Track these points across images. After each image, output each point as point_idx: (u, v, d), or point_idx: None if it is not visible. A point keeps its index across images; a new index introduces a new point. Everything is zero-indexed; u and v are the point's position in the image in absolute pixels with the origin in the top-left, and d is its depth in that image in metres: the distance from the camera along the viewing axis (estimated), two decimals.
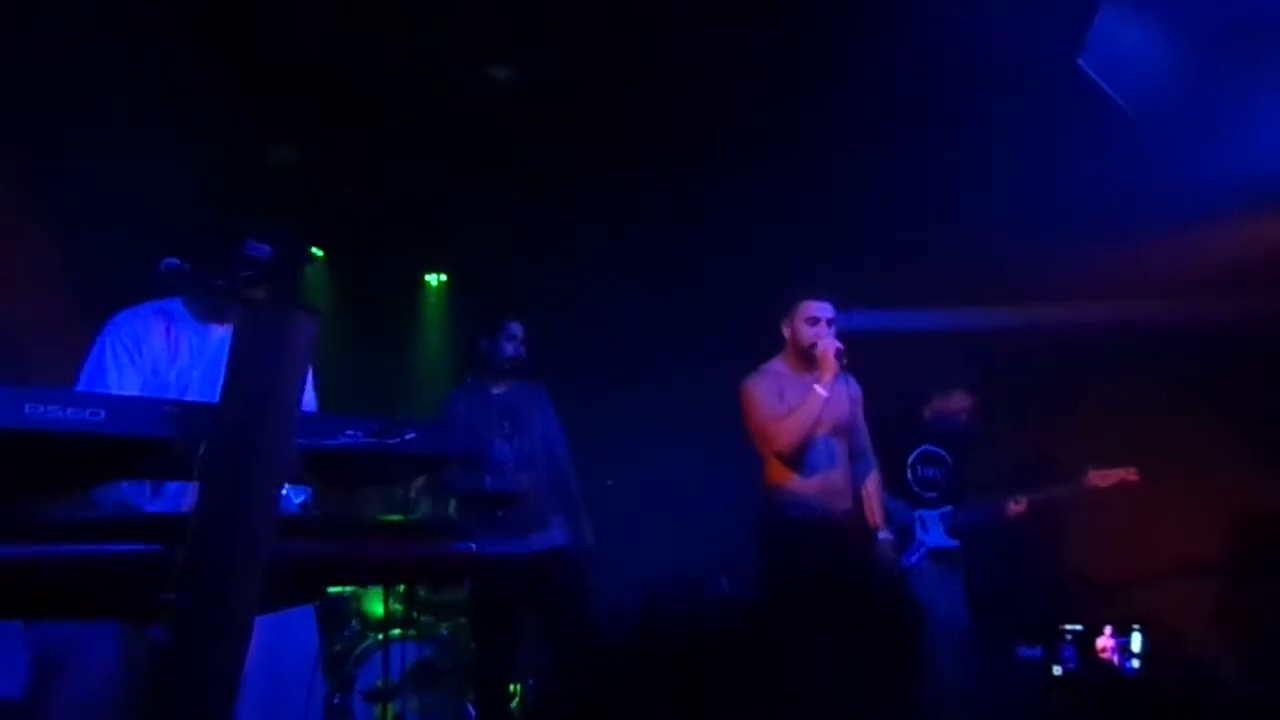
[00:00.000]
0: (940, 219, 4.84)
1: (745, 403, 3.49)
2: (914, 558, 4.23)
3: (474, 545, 1.79)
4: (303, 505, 2.23)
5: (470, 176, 5.79)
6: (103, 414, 1.35)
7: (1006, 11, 3.55)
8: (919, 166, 4.66)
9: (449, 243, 6.43)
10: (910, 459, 4.28)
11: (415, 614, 4.59)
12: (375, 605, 4.40)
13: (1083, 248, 4.44)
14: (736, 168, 5.21)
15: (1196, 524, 4.51)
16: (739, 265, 5.71)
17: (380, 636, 4.16)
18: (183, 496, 2.04)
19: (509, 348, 3.84)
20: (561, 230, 5.93)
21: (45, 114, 3.76)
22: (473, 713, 4.12)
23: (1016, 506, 4.17)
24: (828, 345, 3.34)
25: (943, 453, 4.32)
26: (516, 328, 3.88)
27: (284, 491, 2.14)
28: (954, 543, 4.26)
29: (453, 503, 4.57)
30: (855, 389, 3.57)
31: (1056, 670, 4.30)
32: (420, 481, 4.48)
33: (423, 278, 6.83)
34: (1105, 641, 4.26)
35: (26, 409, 1.30)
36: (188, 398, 2.24)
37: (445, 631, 4.63)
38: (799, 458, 3.40)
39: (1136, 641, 4.24)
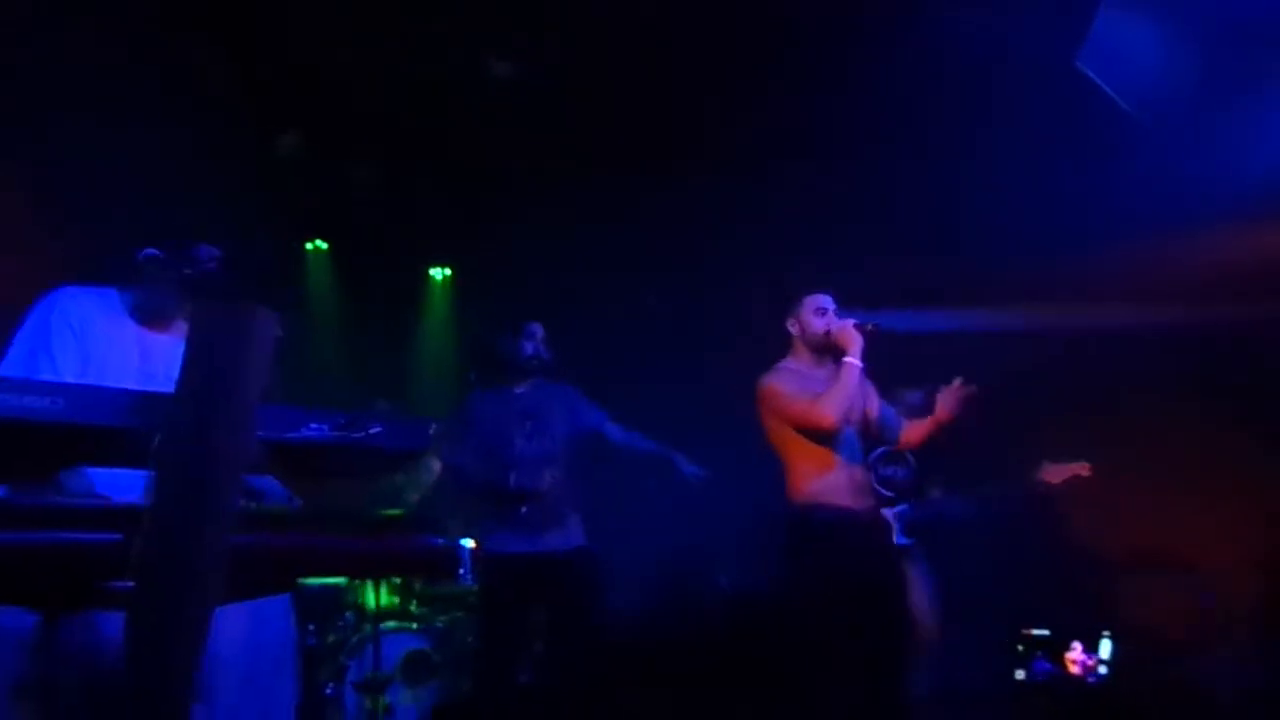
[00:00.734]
0: (938, 220, 4.82)
1: (772, 396, 3.38)
2: None
3: (441, 540, 1.79)
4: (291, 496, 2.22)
5: (476, 171, 5.81)
6: (60, 402, 1.35)
7: (1006, 14, 3.52)
8: (919, 167, 4.64)
9: (454, 237, 6.44)
10: (873, 458, 4.26)
11: (411, 606, 4.61)
12: (371, 596, 4.42)
13: (1080, 250, 4.41)
14: (743, 168, 5.21)
15: (1191, 524, 4.48)
16: (747, 264, 5.70)
17: (373, 628, 4.17)
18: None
19: (529, 348, 3.86)
20: (566, 226, 5.93)
21: (50, 108, 3.79)
22: None
23: (959, 505, 4.21)
24: (843, 324, 3.32)
25: (905, 452, 4.32)
26: (537, 328, 3.91)
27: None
28: (908, 541, 4.26)
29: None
30: (867, 383, 3.49)
31: (1020, 674, 4.29)
32: (421, 485, 4.51)
33: (427, 272, 6.84)
34: (1075, 655, 4.24)
35: None
36: None
37: (441, 624, 4.65)
38: (837, 442, 3.33)
39: (1105, 649, 4.23)
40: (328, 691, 4.06)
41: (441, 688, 4.30)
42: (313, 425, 1.56)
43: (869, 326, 3.30)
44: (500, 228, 6.04)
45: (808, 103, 4.64)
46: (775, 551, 3.46)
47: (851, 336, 3.27)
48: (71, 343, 2.19)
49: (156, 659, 1.37)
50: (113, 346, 2.27)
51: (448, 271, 6.87)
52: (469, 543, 4.25)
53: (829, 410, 3.22)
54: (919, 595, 4.18)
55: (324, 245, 6.42)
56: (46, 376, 2.09)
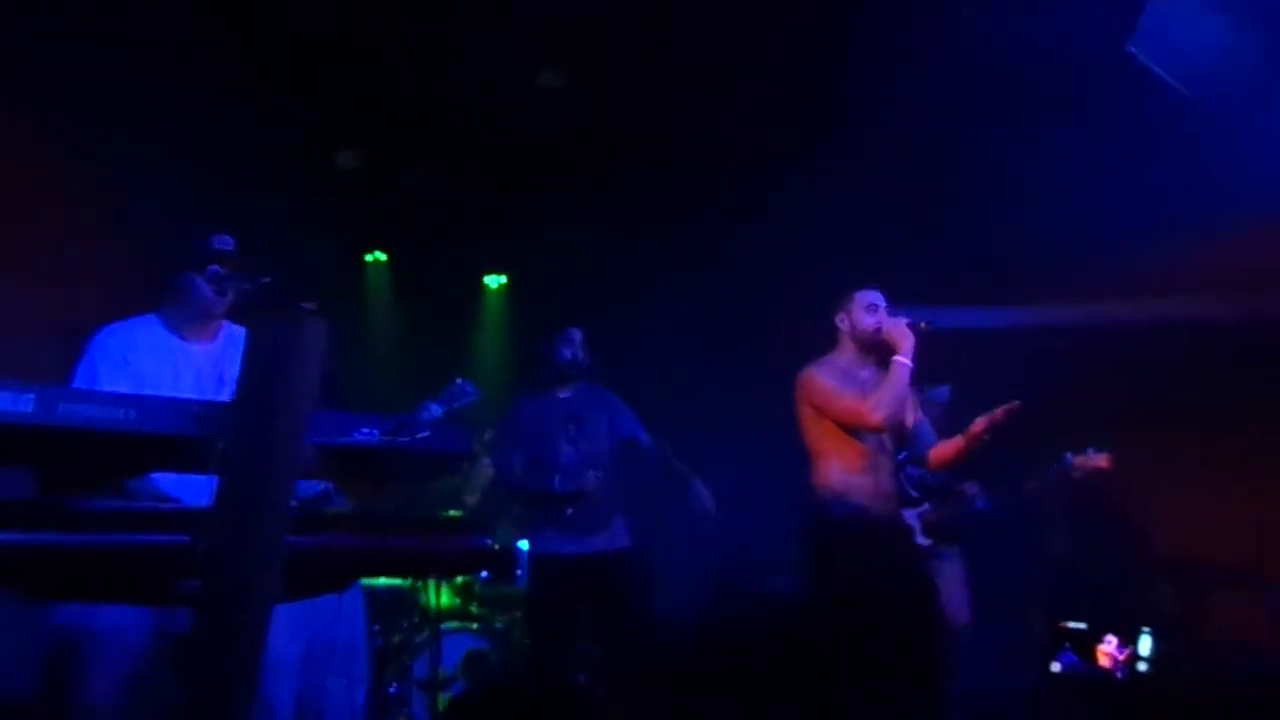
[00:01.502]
0: (980, 215, 4.75)
1: (817, 390, 3.31)
2: None
3: (489, 540, 1.86)
4: (322, 494, 2.32)
5: (530, 180, 5.90)
6: (132, 412, 1.45)
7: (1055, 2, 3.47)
8: (962, 163, 4.59)
9: (509, 245, 6.54)
10: (901, 458, 4.23)
11: (472, 607, 4.71)
12: (433, 598, 4.52)
13: (1128, 243, 4.32)
14: (790, 167, 5.20)
15: (1231, 525, 4.36)
16: (796, 265, 5.69)
17: (432, 629, 4.27)
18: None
19: (567, 353, 3.93)
20: (621, 231, 5.99)
21: (116, 120, 3.95)
22: None
23: (984, 503, 4.18)
24: (895, 321, 3.26)
25: (932, 440, 4.27)
26: (576, 333, 3.98)
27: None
28: (927, 541, 4.24)
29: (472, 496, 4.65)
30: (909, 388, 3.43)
31: (1056, 667, 4.21)
32: (478, 487, 4.60)
33: (483, 280, 6.96)
34: (1107, 648, 4.15)
35: (61, 407, 1.40)
36: None
37: (500, 624, 4.74)
38: (873, 441, 3.29)
39: (1145, 644, 4.13)
40: (392, 690, 4.16)
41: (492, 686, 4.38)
42: (363, 430, 1.64)
43: (923, 325, 3.23)
44: (555, 234, 6.12)
45: (853, 99, 4.62)
46: (798, 547, 3.44)
47: (904, 335, 3.20)
48: (119, 374, 2.34)
49: (220, 654, 1.46)
50: (161, 366, 2.42)
51: (503, 279, 6.98)
52: (525, 544, 4.34)
53: (879, 409, 3.16)
54: (947, 598, 4.13)
55: (383, 257, 6.58)
56: None
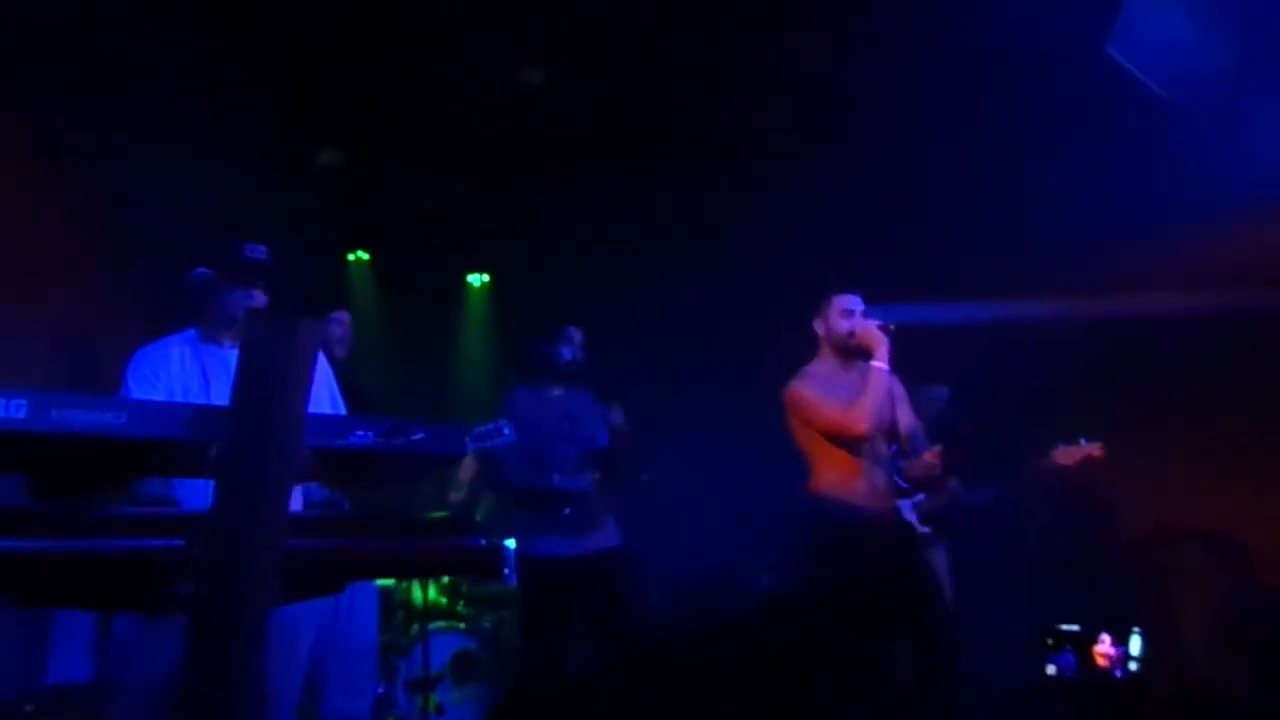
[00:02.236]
0: (966, 211, 4.80)
1: (801, 404, 3.39)
2: None
3: (484, 540, 1.86)
4: (331, 500, 2.33)
5: (513, 179, 5.89)
6: (124, 416, 1.44)
7: (1035, 1, 3.52)
8: (949, 159, 4.64)
9: (492, 244, 6.53)
10: (892, 450, 4.29)
11: (459, 606, 4.70)
12: (420, 597, 4.52)
13: (1110, 239, 4.37)
14: (777, 165, 5.22)
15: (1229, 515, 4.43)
16: (781, 262, 5.71)
17: (422, 628, 4.27)
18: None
19: (566, 352, 3.94)
20: (603, 229, 5.99)
21: (93, 119, 3.91)
22: None
23: (976, 493, 4.24)
24: (866, 325, 3.30)
25: (925, 445, 4.34)
26: (575, 333, 3.99)
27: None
28: (926, 529, 4.31)
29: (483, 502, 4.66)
30: (899, 388, 3.50)
31: (1051, 669, 4.27)
32: (463, 484, 4.59)
33: (466, 279, 6.94)
34: (1103, 648, 4.22)
35: (53, 413, 1.39)
36: None
37: (487, 624, 4.74)
38: (863, 447, 3.34)
39: (1135, 645, 4.19)
40: (379, 691, 4.16)
41: (488, 687, 4.38)
42: (358, 432, 1.63)
43: (890, 326, 3.28)
44: (537, 233, 6.12)
45: (840, 97, 4.65)
46: (796, 548, 3.51)
47: (876, 338, 3.25)
48: (152, 392, 2.41)
49: (215, 659, 1.45)
50: (191, 375, 2.47)
51: (486, 278, 6.96)
52: (512, 543, 4.34)
53: (861, 419, 3.22)
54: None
55: (365, 256, 6.55)
56: None
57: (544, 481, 3.80)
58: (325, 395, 2.61)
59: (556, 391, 3.96)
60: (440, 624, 4.44)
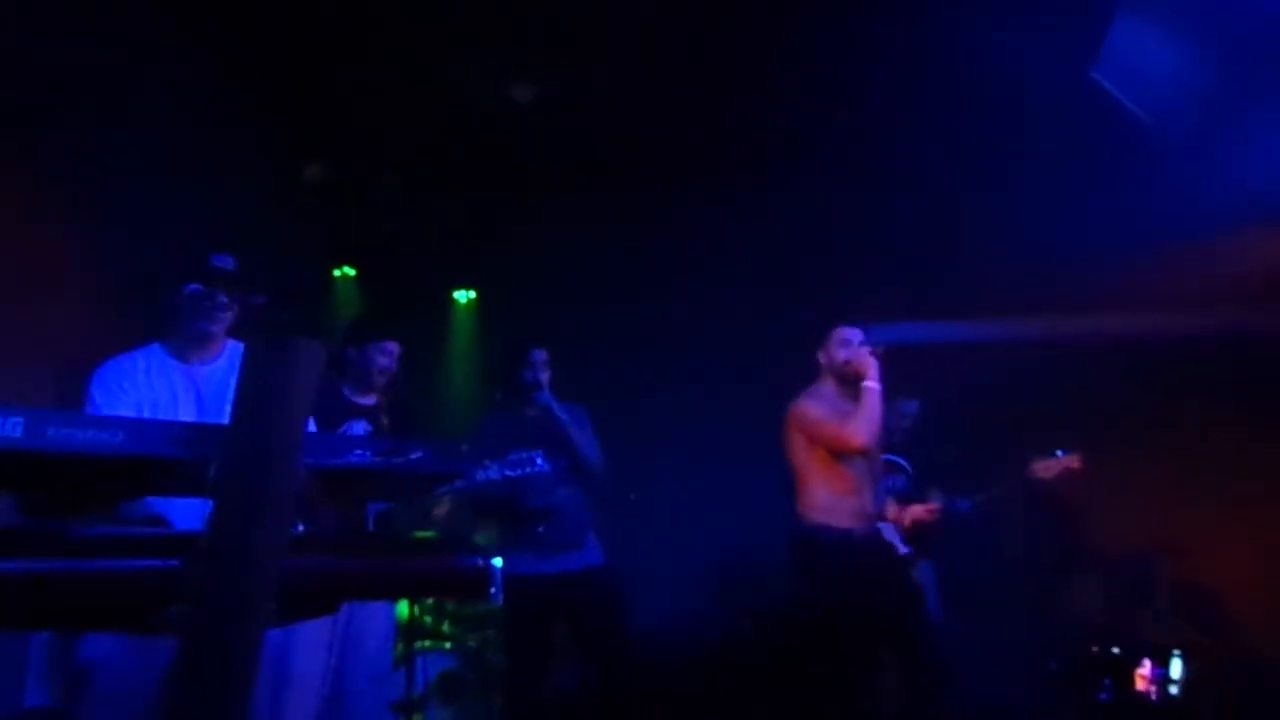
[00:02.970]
0: (949, 232, 4.86)
1: (805, 419, 3.63)
2: None
3: (480, 560, 1.85)
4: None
5: (500, 195, 5.89)
6: (120, 435, 1.42)
7: (1020, 27, 3.58)
8: (933, 181, 4.70)
9: (478, 260, 6.52)
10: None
11: (444, 626, 4.66)
12: (405, 617, 4.47)
13: (1092, 260, 4.44)
14: (761, 188, 5.26)
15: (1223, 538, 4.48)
16: (764, 282, 5.75)
17: (408, 648, 4.23)
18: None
19: (529, 375, 3.92)
20: (590, 247, 6.00)
21: (86, 133, 3.89)
22: None
23: (955, 509, 4.30)
24: (859, 352, 3.60)
25: (903, 461, 4.41)
26: (539, 354, 3.97)
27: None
28: (908, 550, 4.31)
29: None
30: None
31: (1103, 696, 4.30)
32: (445, 501, 4.57)
33: (452, 295, 6.93)
34: (1144, 671, 4.25)
35: (50, 432, 1.37)
36: None
37: (473, 643, 4.70)
38: (855, 464, 3.56)
39: (1176, 668, 4.23)
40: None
41: (474, 707, 4.34)
42: (357, 451, 1.62)
43: (876, 349, 3.57)
44: (524, 250, 6.12)
45: (822, 124, 4.71)
46: (785, 568, 3.67)
47: (868, 362, 3.53)
48: (117, 406, 2.34)
49: (212, 682, 1.43)
50: (159, 391, 2.40)
51: (472, 294, 6.95)
52: (499, 562, 4.29)
53: (860, 432, 3.46)
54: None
55: (351, 272, 6.53)
56: None
57: (518, 501, 3.78)
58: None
59: (530, 411, 3.95)
60: (426, 644, 4.40)
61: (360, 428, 3.48)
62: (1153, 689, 4.25)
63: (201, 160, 4.37)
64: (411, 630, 4.31)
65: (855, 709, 3.35)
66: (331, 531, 1.72)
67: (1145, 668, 4.28)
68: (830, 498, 3.54)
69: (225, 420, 1.62)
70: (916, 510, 4.07)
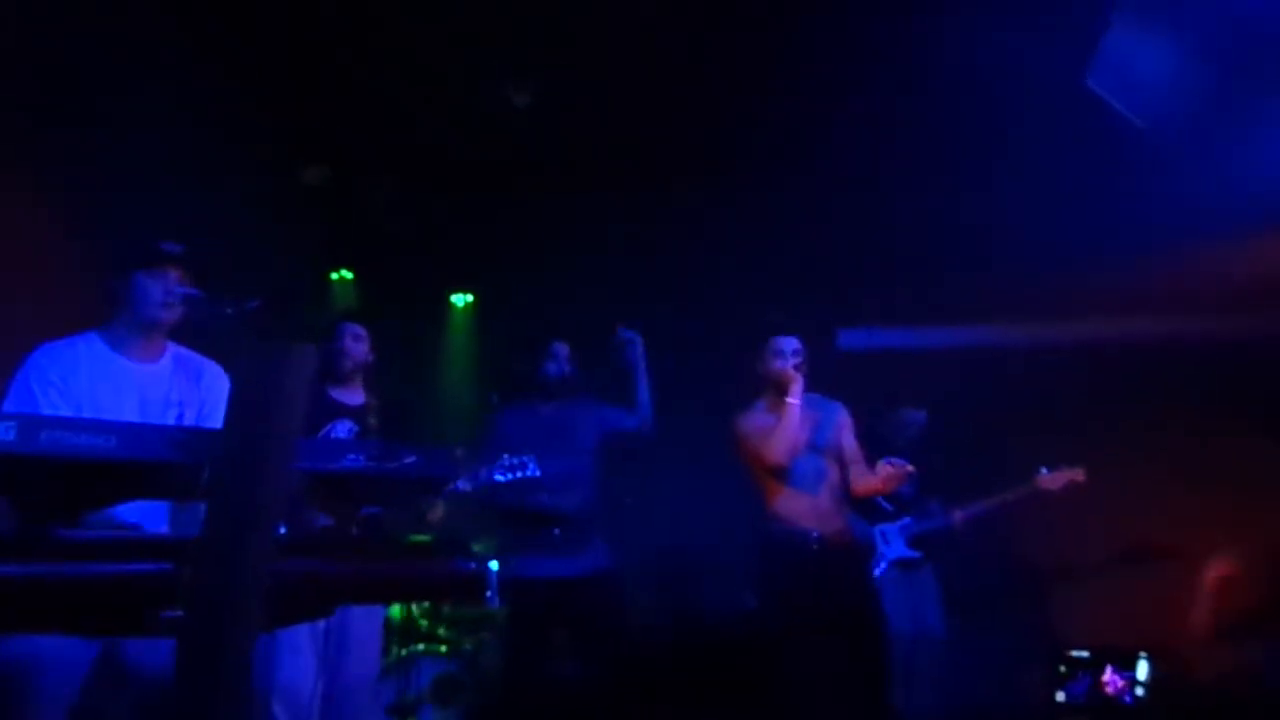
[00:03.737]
0: (946, 238, 4.87)
1: (737, 435, 3.75)
2: (878, 571, 4.35)
3: (473, 564, 1.86)
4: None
5: (497, 198, 5.90)
6: (113, 439, 1.43)
7: (1015, 32, 3.60)
8: (929, 187, 4.71)
9: (476, 263, 6.52)
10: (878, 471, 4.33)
11: (440, 629, 4.66)
12: (401, 620, 4.48)
13: (1089, 265, 4.45)
14: (759, 191, 5.27)
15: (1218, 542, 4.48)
16: (764, 281, 5.75)
17: (404, 651, 4.24)
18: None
19: (553, 368, 3.87)
20: (586, 250, 6.01)
21: (79, 131, 3.89)
22: None
23: (960, 515, 4.30)
24: (784, 365, 3.65)
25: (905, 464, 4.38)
26: (561, 348, 3.92)
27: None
28: (916, 553, 4.37)
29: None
30: (843, 414, 3.81)
31: (1061, 697, 4.33)
32: (439, 505, 4.56)
33: (449, 298, 6.93)
34: (1110, 677, 4.28)
35: (43, 435, 1.38)
36: None
37: (469, 646, 4.70)
38: (788, 474, 3.65)
39: (1142, 670, 4.24)
40: None
41: (470, 710, 4.34)
42: (350, 456, 1.63)
43: (801, 365, 3.63)
44: (522, 253, 6.12)
45: (821, 126, 4.72)
46: (755, 569, 3.73)
47: (790, 377, 3.60)
48: (57, 397, 2.25)
49: (206, 683, 1.44)
50: (99, 386, 2.31)
51: (470, 297, 6.95)
52: (495, 565, 4.28)
53: (774, 449, 3.59)
54: (921, 608, 4.26)
55: (349, 275, 6.53)
56: None
57: (532, 500, 3.71)
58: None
59: (544, 408, 3.89)
60: (421, 647, 4.40)
61: (344, 428, 3.38)
62: (1125, 691, 4.26)
63: (200, 161, 4.37)
64: (406, 633, 4.32)
65: (808, 710, 3.39)
66: (316, 534, 1.72)
67: (1107, 673, 4.30)
68: (775, 501, 3.64)
69: (166, 425, 1.60)
70: (871, 482, 3.81)
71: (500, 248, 6.21)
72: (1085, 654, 4.38)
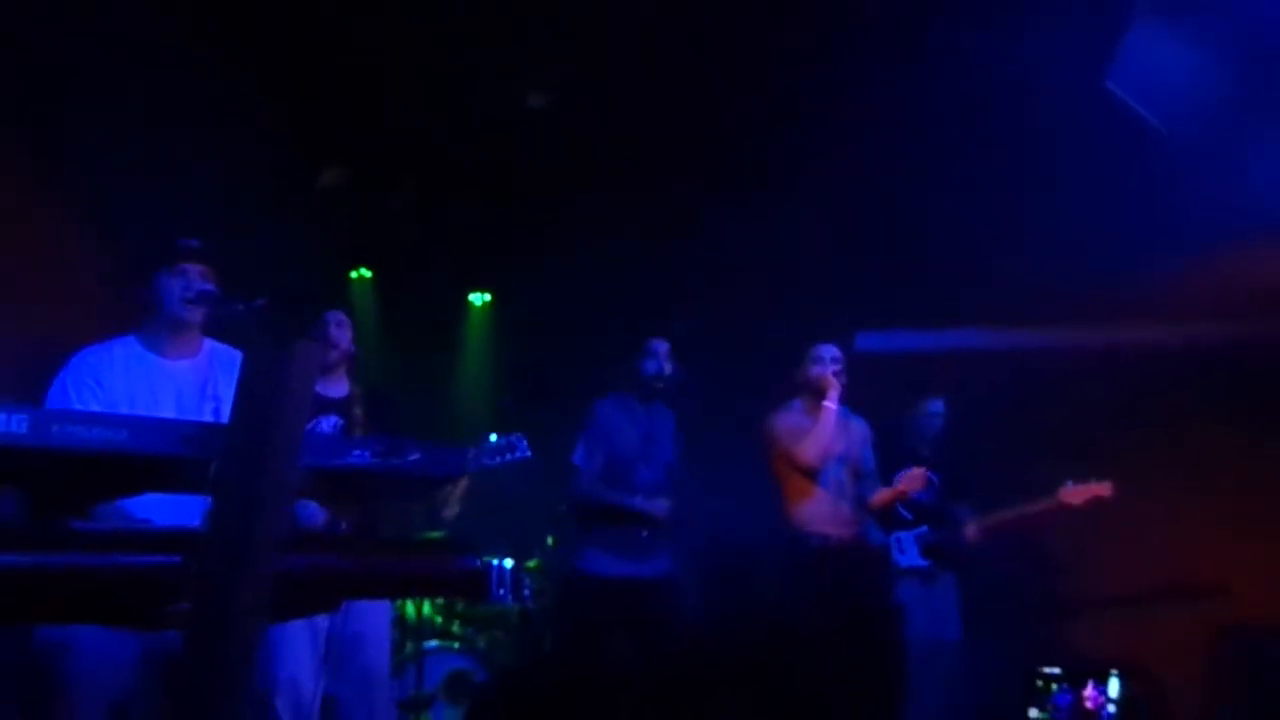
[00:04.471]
0: (968, 241, 4.83)
1: (770, 434, 3.86)
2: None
3: (479, 560, 1.87)
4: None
5: (516, 198, 5.93)
6: (124, 433, 1.46)
7: (1035, 34, 3.58)
8: (949, 190, 4.68)
9: (494, 263, 6.55)
10: (896, 482, 4.28)
11: (453, 626, 4.69)
12: (414, 616, 4.50)
13: (1111, 269, 4.40)
14: (776, 193, 5.25)
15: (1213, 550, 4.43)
16: (783, 285, 5.74)
17: (417, 646, 4.26)
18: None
19: (651, 365, 3.82)
20: (605, 251, 6.02)
21: (100, 137, 3.94)
22: None
23: (977, 527, 4.25)
24: (823, 371, 3.81)
25: (930, 474, 4.32)
26: (660, 345, 3.87)
27: None
28: (926, 562, 4.31)
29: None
30: (864, 427, 3.97)
31: (1033, 713, 4.33)
32: (455, 502, 4.57)
33: (468, 298, 6.97)
34: (1089, 693, 4.26)
35: (55, 429, 1.41)
36: None
37: (482, 644, 4.73)
38: (817, 476, 3.77)
39: (1114, 687, 4.22)
40: None
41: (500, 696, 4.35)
42: (356, 452, 1.65)
43: (839, 372, 3.77)
44: (539, 252, 6.15)
45: (839, 129, 4.70)
46: (774, 575, 3.86)
47: (829, 382, 3.75)
48: (91, 397, 2.30)
49: (210, 676, 1.47)
50: (136, 385, 2.37)
51: (488, 297, 6.99)
52: (508, 563, 4.32)
53: (808, 449, 3.72)
54: (939, 616, 4.22)
55: (368, 274, 6.59)
56: None
57: (629, 501, 3.71)
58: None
59: (639, 409, 3.84)
60: (434, 643, 4.43)
61: (329, 423, 3.33)
62: (1102, 708, 4.24)
63: (219, 164, 4.42)
64: (419, 629, 4.35)
65: (824, 713, 3.44)
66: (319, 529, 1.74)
67: (1087, 688, 4.26)
68: (801, 505, 3.75)
69: (203, 419, 1.62)
70: (884, 495, 3.94)
71: (519, 247, 6.23)
72: (1057, 670, 4.38)
